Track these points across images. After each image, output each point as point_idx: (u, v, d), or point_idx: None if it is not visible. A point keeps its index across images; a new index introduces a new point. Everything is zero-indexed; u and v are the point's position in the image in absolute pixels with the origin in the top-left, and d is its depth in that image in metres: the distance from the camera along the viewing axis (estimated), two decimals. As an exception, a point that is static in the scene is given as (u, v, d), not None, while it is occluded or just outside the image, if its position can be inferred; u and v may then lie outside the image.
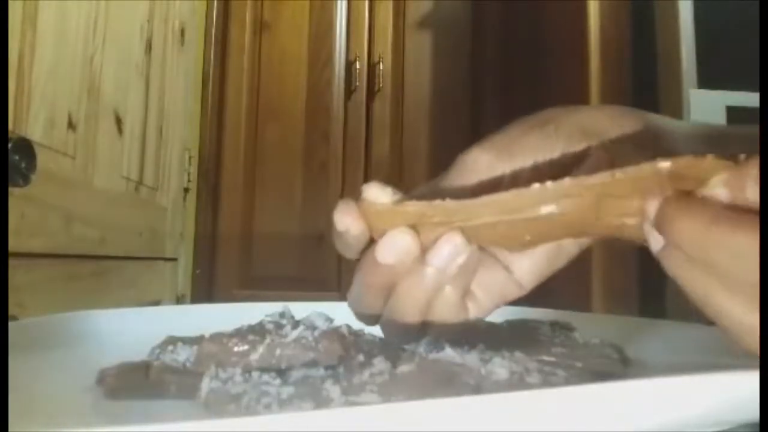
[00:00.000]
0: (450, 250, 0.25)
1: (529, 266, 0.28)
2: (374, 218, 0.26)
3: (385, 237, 0.25)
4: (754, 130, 0.27)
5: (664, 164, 0.22)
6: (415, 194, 0.27)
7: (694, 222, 0.19)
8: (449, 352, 0.26)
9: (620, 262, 1.08)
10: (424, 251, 0.26)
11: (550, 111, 0.30)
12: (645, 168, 0.22)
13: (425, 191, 0.28)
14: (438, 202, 0.25)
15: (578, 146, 0.28)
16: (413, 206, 0.25)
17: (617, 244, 1.06)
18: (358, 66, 1.64)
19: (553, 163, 0.28)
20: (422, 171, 1.63)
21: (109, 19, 0.99)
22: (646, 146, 0.27)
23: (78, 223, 0.89)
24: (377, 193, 0.26)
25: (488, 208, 0.26)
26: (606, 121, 0.28)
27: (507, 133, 0.29)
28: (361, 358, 0.27)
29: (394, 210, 0.25)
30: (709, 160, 0.20)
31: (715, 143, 0.29)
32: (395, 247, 0.25)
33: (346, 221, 0.25)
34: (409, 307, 0.26)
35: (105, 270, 1.01)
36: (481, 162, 0.28)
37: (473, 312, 0.27)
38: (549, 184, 0.25)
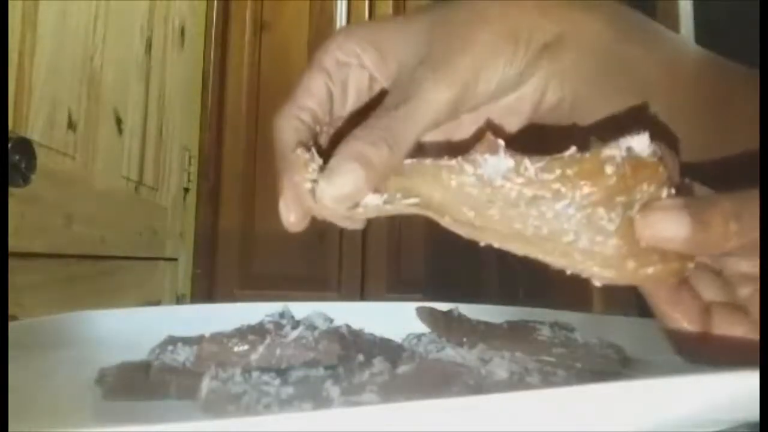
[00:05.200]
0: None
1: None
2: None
3: None
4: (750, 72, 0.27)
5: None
6: None
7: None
8: (449, 352, 0.26)
9: (620, 262, 1.08)
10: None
11: (477, 4, 0.25)
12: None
13: None
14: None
15: (503, 54, 0.25)
16: None
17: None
18: (358, 66, 1.64)
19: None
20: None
21: (109, 18, 0.99)
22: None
23: (78, 223, 0.88)
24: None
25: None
26: (537, 16, 0.25)
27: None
28: (360, 358, 0.27)
29: None
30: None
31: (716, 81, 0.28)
32: None
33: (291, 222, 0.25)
34: None
35: (105, 270, 1.01)
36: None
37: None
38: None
